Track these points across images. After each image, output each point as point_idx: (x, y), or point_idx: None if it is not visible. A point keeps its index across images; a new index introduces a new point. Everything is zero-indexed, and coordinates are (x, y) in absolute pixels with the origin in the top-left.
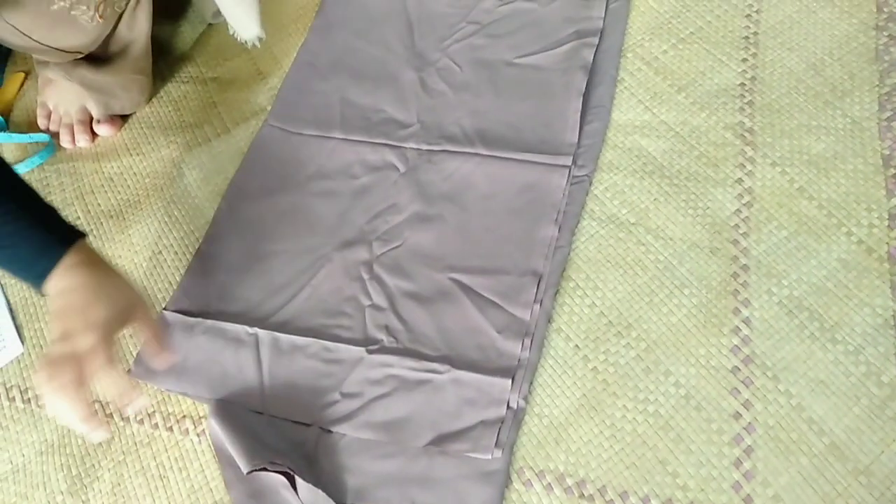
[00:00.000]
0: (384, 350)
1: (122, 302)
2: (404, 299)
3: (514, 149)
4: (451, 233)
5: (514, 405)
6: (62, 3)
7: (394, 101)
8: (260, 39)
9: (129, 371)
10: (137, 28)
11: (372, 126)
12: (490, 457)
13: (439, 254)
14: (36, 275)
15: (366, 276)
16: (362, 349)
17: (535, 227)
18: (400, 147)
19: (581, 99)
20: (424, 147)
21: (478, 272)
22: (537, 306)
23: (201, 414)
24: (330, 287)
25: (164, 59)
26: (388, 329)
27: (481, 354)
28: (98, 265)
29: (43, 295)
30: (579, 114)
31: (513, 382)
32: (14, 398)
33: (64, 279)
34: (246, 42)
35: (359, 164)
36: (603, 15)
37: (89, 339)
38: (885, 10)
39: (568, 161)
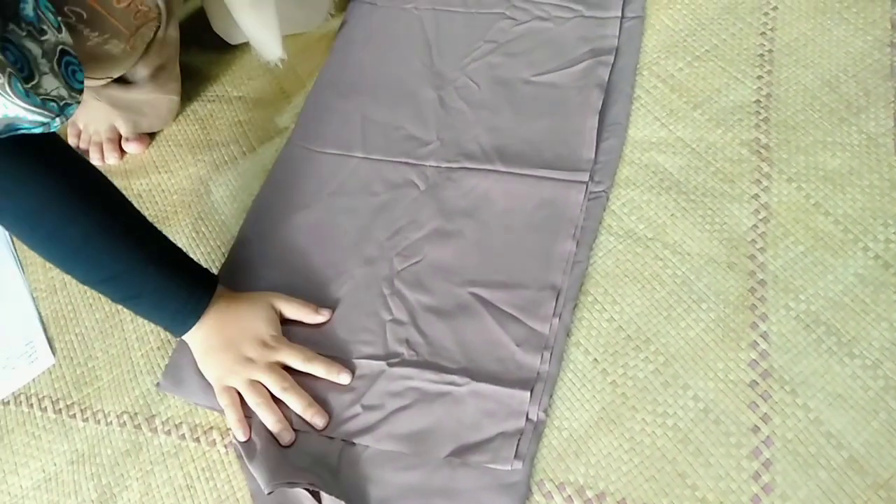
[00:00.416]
0: (405, 363)
1: (263, 310)
2: (425, 313)
3: (531, 165)
4: (470, 248)
5: (533, 417)
6: (97, 39)
7: (413, 120)
8: (282, 60)
9: (157, 384)
10: (166, 52)
11: (392, 144)
12: (510, 468)
13: (459, 268)
14: (179, 325)
15: (387, 292)
16: (383, 363)
17: (553, 242)
18: (420, 165)
19: (597, 116)
20: (444, 164)
21: (497, 286)
22: (556, 320)
23: (228, 425)
24: (352, 302)
25: (189, 79)
26: (408, 343)
27: (501, 367)
28: (228, 298)
29: (177, 337)
30: (595, 131)
31: (532, 394)
32: (46, 408)
33: (204, 326)
34: (269, 63)
35: (379, 181)
36: (617, 33)
37: (270, 352)
38: None
39: (585, 177)
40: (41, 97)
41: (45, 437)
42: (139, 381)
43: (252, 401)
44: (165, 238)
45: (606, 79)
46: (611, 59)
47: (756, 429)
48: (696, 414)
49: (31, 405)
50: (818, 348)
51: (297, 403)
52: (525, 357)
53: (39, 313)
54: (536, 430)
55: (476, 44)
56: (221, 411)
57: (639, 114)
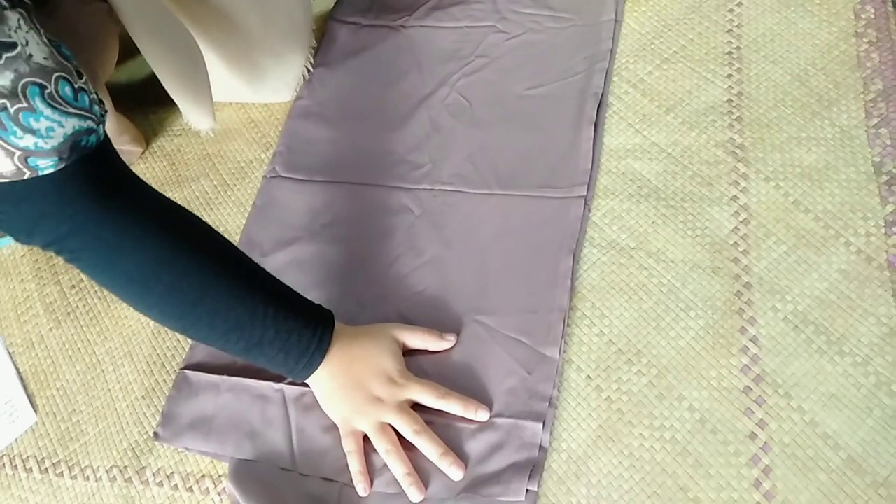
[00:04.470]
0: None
1: (386, 344)
2: None
3: (528, 186)
4: (472, 274)
5: (546, 445)
6: None
7: (405, 142)
8: (213, 130)
9: (154, 434)
10: None
11: (384, 169)
12: (522, 498)
13: (462, 296)
14: (305, 368)
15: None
16: None
17: (556, 263)
18: (414, 189)
19: (592, 126)
20: (438, 187)
21: (502, 312)
22: (564, 343)
23: (220, 472)
24: None
25: (154, 113)
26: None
27: (512, 398)
28: (349, 333)
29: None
30: (591, 142)
31: (544, 425)
32: (31, 469)
33: (328, 365)
34: (199, 132)
35: (374, 208)
36: (612, 36)
37: (399, 390)
38: (863, 16)
39: (583, 191)
40: (89, 97)
41: (33, 500)
42: (126, 433)
43: (382, 447)
44: (274, 277)
45: (602, 86)
46: (605, 64)
47: (753, 435)
48: (692, 425)
49: (16, 467)
50: (808, 348)
51: (431, 450)
52: (537, 385)
53: (17, 370)
54: (542, 456)
55: (468, 58)
56: (225, 458)
57: (612, 121)
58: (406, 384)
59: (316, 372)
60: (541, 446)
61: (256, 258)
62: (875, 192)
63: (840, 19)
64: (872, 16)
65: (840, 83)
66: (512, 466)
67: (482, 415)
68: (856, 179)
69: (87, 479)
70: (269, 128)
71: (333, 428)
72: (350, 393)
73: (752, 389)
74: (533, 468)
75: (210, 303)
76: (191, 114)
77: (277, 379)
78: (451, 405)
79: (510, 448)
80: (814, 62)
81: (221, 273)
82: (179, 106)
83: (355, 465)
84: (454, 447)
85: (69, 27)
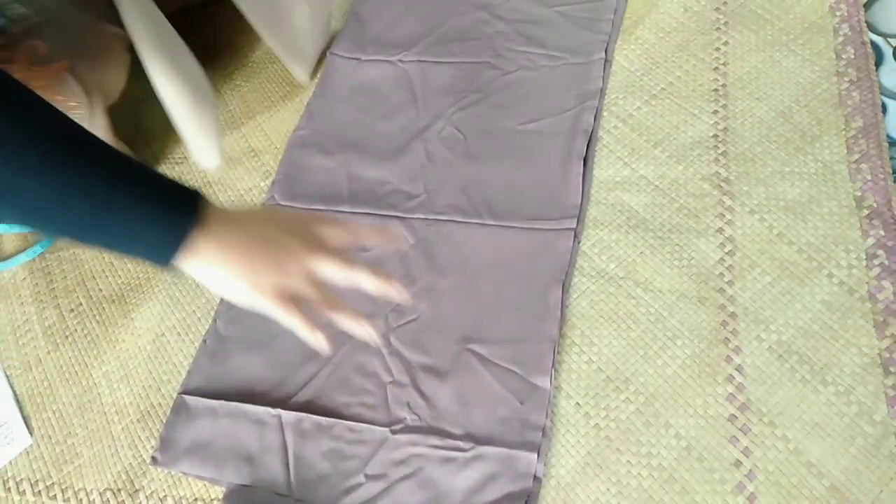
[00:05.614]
0: (408, 429)
1: (287, 221)
2: (424, 374)
3: (519, 217)
4: (464, 304)
5: (540, 475)
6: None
7: (400, 173)
8: (219, 167)
9: (153, 459)
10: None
11: (380, 198)
12: None
13: (454, 325)
14: (164, 253)
15: (384, 351)
16: (386, 430)
17: (546, 293)
18: (408, 218)
19: (582, 162)
20: (432, 217)
21: (494, 342)
22: (554, 372)
23: (214, 496)
24: (351, 364)
25: (155, 140)
26: (409, 406)
27: (504, 427)
28: (234, 213)
29: (166, 269)
30: (581, 176)
31: (538, 454)
32: (24, 491)
33: (211, 236)
34: (205, 171)
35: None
36: (602, 75)
37: (307, 258)
38: (844, 56)
39: (573, 224)
40: None
41: None
42: (121, 456)
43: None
44: (109, 149)
45: (592, 123)
46: (595, 102)
47: (738, 463)
48: (679, 452)
49: (9, 489)
50: (792, 378)
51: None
52: (530, 415)
53: (14, 392)
54: (536, 486)
55: (463, 93)
56: (222, 483)
57: (602, 154)
58: (314, 252)
59: (198, 246)
60: (535, 476)
61: None
62: (856, 226)
63: (822, 59)
64: (853, 56)
65: (822, 120)
66: (506, 497)
67: (397, 292)
68: (838, 213)
69: (80, 501)
70: (269, 157)
71: (331, 454)
72: (255, 264)
73: (737, 417)
74: (527, 499)
75: (49, 167)
76: (197, 151)
77: (275, 404)
78: (362, 276)
79: (505, 478)
80: (797, 99)
81: (60, 138)
82: (186, 144)
83: (300, 323)
84: (449, 477)
85: (86, 44)
